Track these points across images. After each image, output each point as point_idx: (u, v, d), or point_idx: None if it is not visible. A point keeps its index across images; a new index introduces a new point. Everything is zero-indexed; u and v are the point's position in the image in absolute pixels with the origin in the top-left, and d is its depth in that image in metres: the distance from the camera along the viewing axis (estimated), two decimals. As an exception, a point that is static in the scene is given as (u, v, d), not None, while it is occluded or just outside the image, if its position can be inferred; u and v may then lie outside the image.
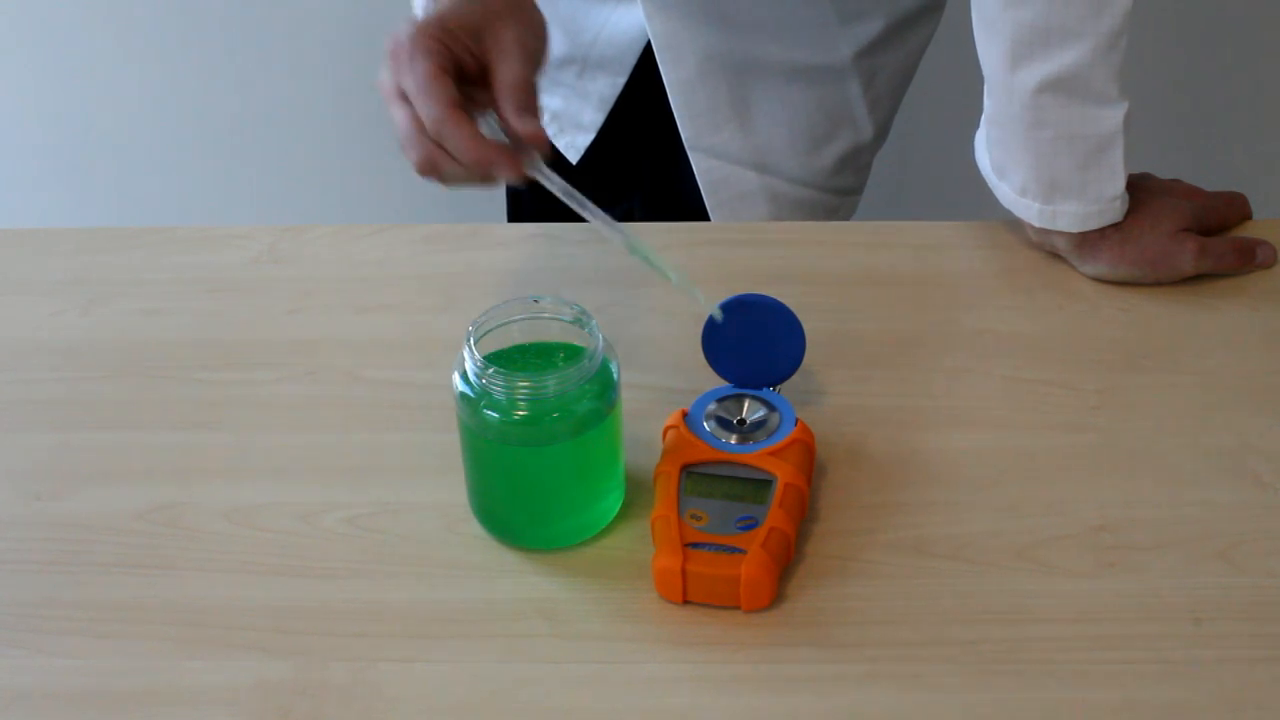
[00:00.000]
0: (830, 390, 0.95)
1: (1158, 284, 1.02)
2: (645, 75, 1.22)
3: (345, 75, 1.94)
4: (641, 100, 1.24)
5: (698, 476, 0.84)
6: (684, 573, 0.79)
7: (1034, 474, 0.88)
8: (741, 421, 0.87)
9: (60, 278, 1.06)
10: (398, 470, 0.90)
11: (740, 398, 0.88)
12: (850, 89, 1.22)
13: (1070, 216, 1.01)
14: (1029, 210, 1.03)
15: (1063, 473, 0.89)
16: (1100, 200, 1.01)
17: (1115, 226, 1.02)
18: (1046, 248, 1.05)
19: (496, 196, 1.39)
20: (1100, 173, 1.00)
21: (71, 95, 1.99)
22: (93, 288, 1.05)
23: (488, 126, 0.82)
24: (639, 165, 1.31)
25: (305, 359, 0.98)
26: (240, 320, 1.02)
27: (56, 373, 0.98)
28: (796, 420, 0.87)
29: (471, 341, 0.81)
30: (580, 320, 0.83)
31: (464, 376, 0.81)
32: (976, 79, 1.05)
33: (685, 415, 0.87)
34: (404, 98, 0.84)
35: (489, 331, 0.83)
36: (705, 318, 0.89)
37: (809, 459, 0.86)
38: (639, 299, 1.02)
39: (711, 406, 0.88)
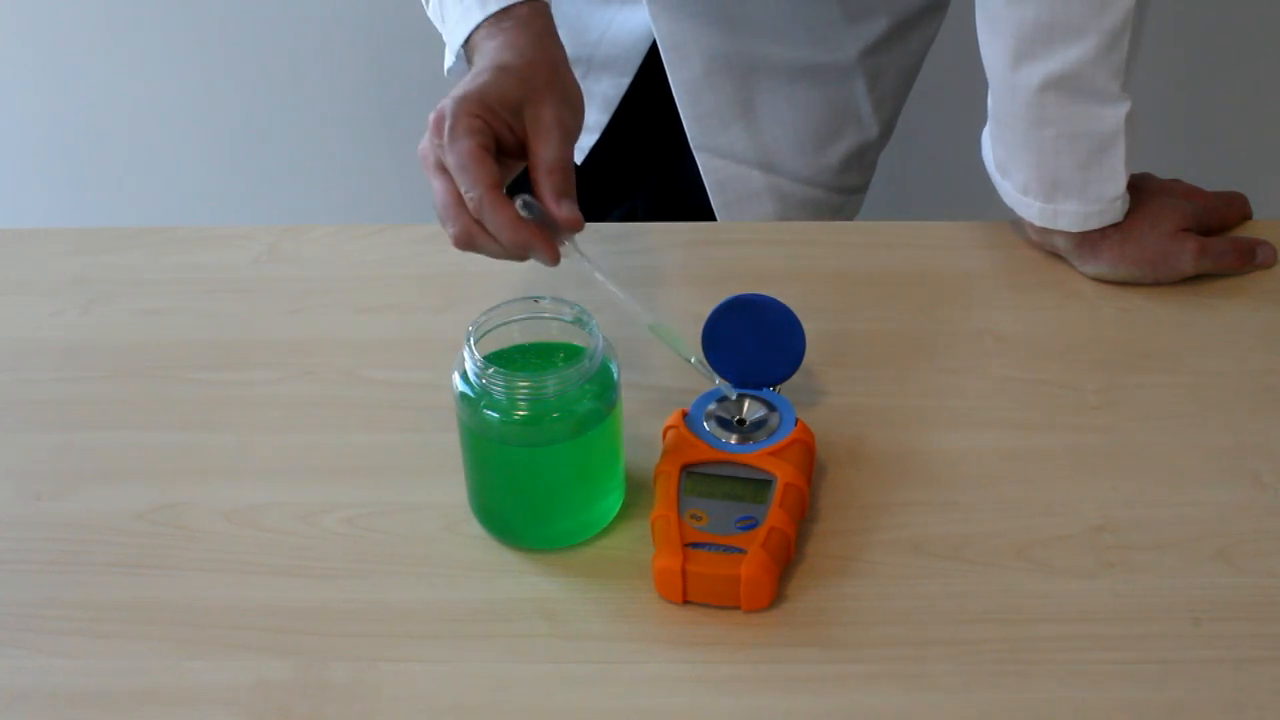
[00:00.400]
0: (830, 390, 0.95)
1: (1158, 284, 1.02)
2: (650, 76, 1.22)
3: (345, 75, 1.94)
4: (646, 101, 1.24)
5: (698, 476, 0.84)
6: (684, 573, 0.79)
7: (1034, 474, 0.88)
8: (741, 421, 0.87)
9: (60, 278, 1.06)
10: (398, 470, 0.90)
11: (740, 398, 0.88)
12: (856, 88, 1.22)
13: (1071, 216, 1.01)
14: (1030, 209, 1.03)
15: (1063, 473, 0.89)
16: (1101, 200, 1.01)
17: (1115, 226, 1.02)
18: (1047, 247, 1.05)
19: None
20: (1101, 172, 1.00)
21: (72, 95, 1.99)
22: (93, 288, 1.05)
23: (525, 205, 0.84)
24: (643, 165, 1.31)
25: (305, 359, 0.98)
26: (240, 320, 1.02)
27: (56, 373, 0.98)
28: (796, 420, 0.87)
29: (471, 341, 0.81)
30: (580, 320, 0.83)
31: (464, 376, 0.81)
32: (977, 78, 1.05)
33: (685, 415, 0.87)
34: (443, 169, 0.85)
35: (489, 331, 0.83)
36: (705, 318, 0.89)
37: (809, 459, 0.86)
38: (639, 299, 1.02)
39: (711, 406, 0.88)
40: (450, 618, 0.81)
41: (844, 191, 1.26)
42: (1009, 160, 1.03)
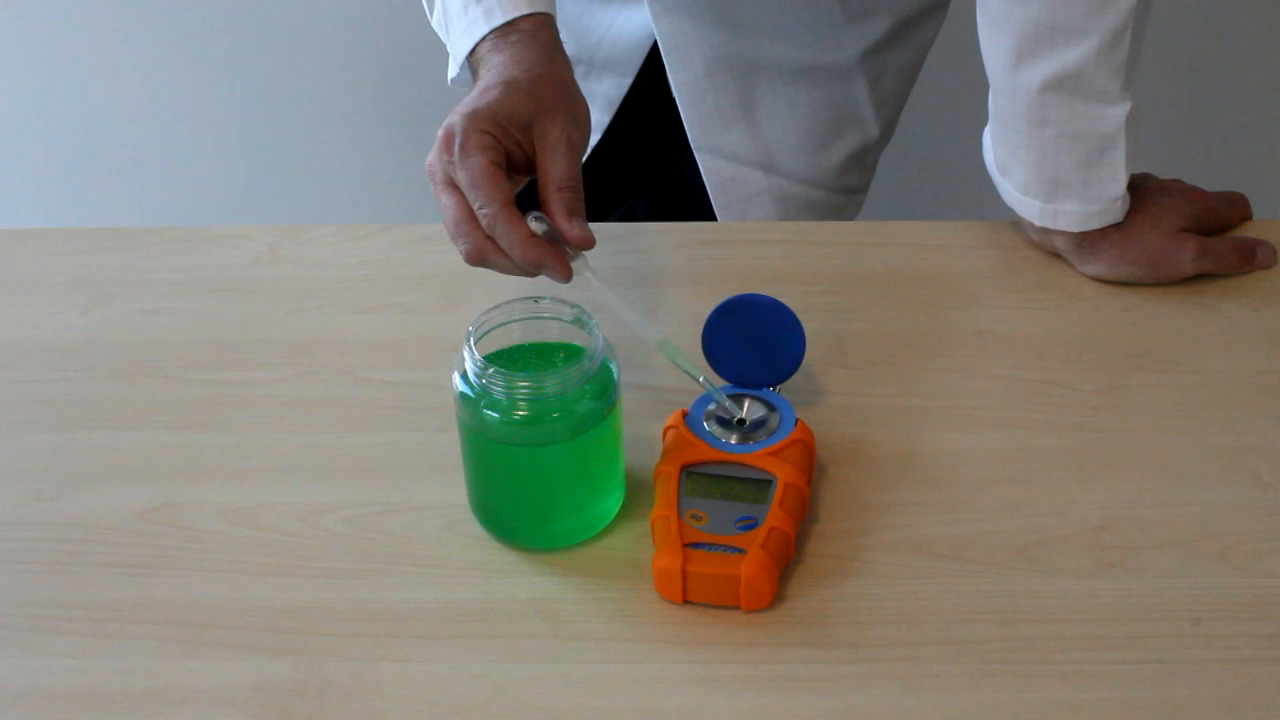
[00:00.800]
0: (830, 390, 0.95)
1: (1157, 284, 1.02)
2: (651, 76, 1.22)
3: (346, 76, 1.94)
4: (647, 101, 1.24)
5: (698, 476, 0.84)
6: (684, 573, 0.79)
7: (1034, 474, 0.88)
8: (741, 421, 0.87)
9: (60, 278, 1.06)
10: (398, 470, 0.90)
11: (740, 398, 0.88)
12: (857, 88, 1.22)
13: (1071, 216, 1.01)
14: (1030, 209, 1.03)
15: (1063, 473, 0.89)
16: (1102, 200, 1.01)
17: (1115, 226, 1.02)
18: (1047, 247, 1.05)
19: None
20: (1102, 172, 1.00)
21: (72, 95, 1.99)
22: (93, 288, 1.05)
23: (536, 219, 0.84)
24: (644, 166, 1.31)
25: (305, 359, 0.98)
26: (240, 320, 1.02)
27: (56, 373, 0.98)
28: (796, 420, 0.87)
29: (471, 341, 0.81)
30: (580, 320, 0.83)
31: (464, 376, 0.81)
32: (977, 78, 1.05)
33: (685, 415, 0.87)
34: (453, 186, 0.85)
35: (489, 331, 0.83)
36: (705, 318, 0.89)
37: (809, 459, 0.86)
38: (641, 299, 1.02)
39: (711, 407, 0.88)
40: (450, 618, 0.81)
41: (845, 192, 1.27)
42: (1009, 160, 1.03)
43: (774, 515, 0.81)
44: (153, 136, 2.02)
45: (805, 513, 0.85)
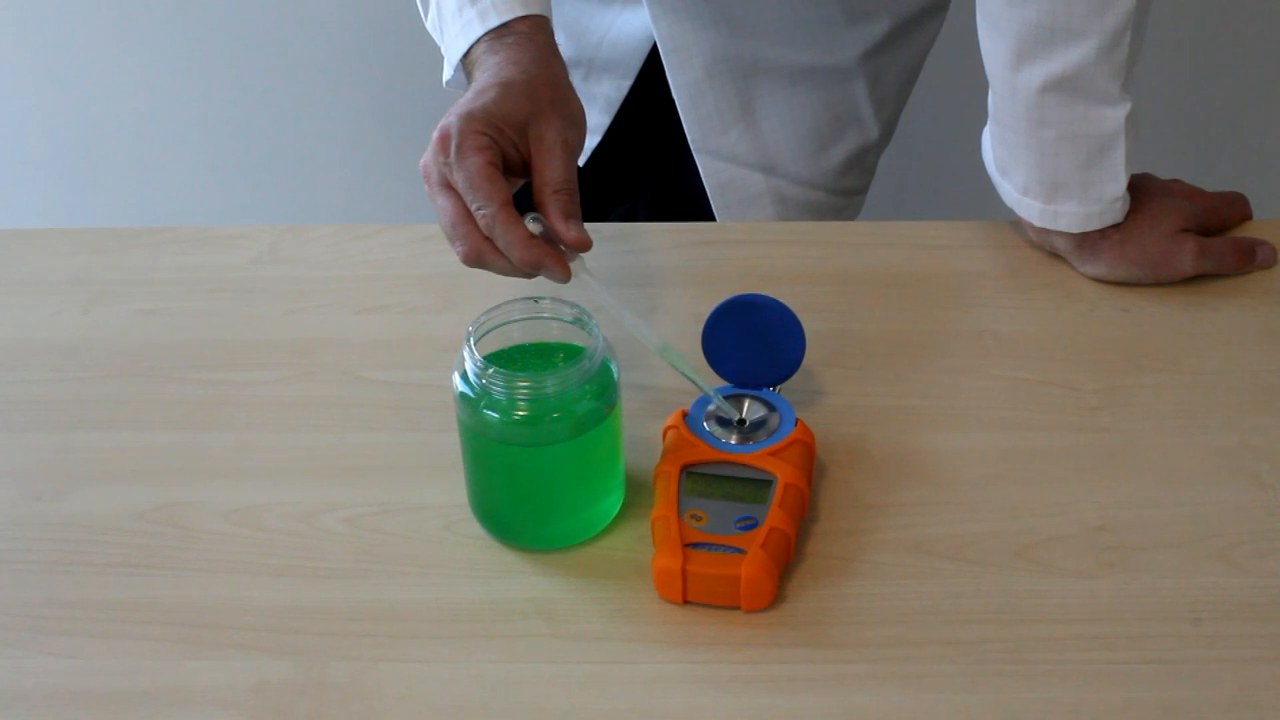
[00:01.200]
0: (830, 390, 0.95)
1: (1157, 284, 1.02)
2: (651, 78, 1.22)
3: (345, 76, 1.94)
4: (647, 103, 1.24)
5: (698, 476, 0.84)
6: (684, 573, 0.79)
7: (1034, 474, 0.88)
8: (741, 421, 0.87)
9: (60, 278, 1.06)
10: (398, 470, 0.90)
11: (740, 398, 0.88)
12: (857, 89, 1.22)
13: (1071, 217, 1.01)
14: (1030, 210, 1.03)
15: (1063, 473, 0.89)
16: (1101, 201, 1.01)
17: (1115, 227, 1.02)
18: (1046, 248, 1.05)
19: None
20: (1102, 173, 1.00)
21: (72, 95, 1.99)
22: (93, 288, 1.05)
23: (534, 220, 0.84)
24: (644, 167, 1.31)
25: (305, 359, 0.98)
26: (240, 320, 1.02)
27: (56, 373, 0.98)
28: (796, 420, 0.87)
29: (471, 341, 0.81)
30: (580, 320, 0.83)
31: (464, 376, 0.81)
32: (977, 79, 1.05)
33: (685, 415, 0.87)
34: (449, 187, 0.85)
35: (489, 331, 0.83)
36: (705, 318, 0.89)
37: (809, 459, 0.86)
38: (640, 299, 1.02)
39: (711, 407, 0.88)
40: (450, 618, 0.81)
41: (844, 194, 1.26)
42: (1009, 161, 1.03)
43: (774, 515, 0.81)
44: (153, 136, 2.02)
45: (805, 513, 0.85)
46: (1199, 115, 1.92)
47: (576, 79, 1.25)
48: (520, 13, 0.93)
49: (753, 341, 0.89)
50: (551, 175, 0.86)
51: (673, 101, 1.20)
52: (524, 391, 0.80)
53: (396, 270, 1.06)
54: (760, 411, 0.88)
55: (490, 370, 0.80)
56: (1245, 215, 1.08)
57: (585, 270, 0.85)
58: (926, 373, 0.96)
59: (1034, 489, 0.87)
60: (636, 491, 0.87)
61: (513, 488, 0.84)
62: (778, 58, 1.19)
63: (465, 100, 0.88)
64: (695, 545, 0.80)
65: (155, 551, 0.85)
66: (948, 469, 0.89)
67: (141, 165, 2.04)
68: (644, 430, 0.89)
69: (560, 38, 0.95)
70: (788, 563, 0.82)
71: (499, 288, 0.91)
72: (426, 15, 1.02)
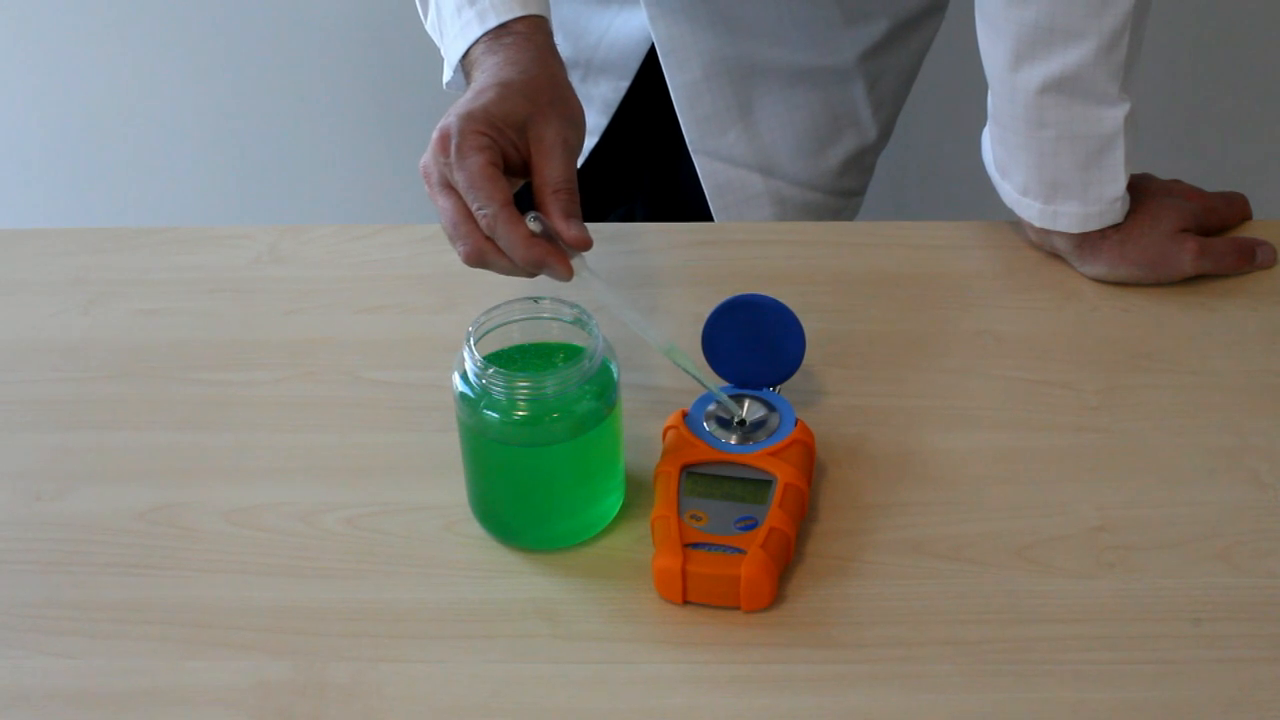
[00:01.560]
0: (830, 390, 0.95)
1: (1157, 284, 1.02)
2: (649, 79, 1.22)
3: (345, 75, 1.94)
4: (644, 104, 1.24)
5: (698, 477, 0.84)
6: (684, 573, 0.79)
7: (1034, 474, 0.88)
8: (741, 422, 0.87)
9: (60, 278, 1.06)
10: (398, 470, 0.90)
11: (740, 398, 0.88)
12: (855, 90, 1.22)
13: (1071, 217, 1.01)
14: (1030, 210, 1.03)
15: (1063, 473, 0.89)
16: (1101, 201, 1.01)
17: (1115, 227, 1.02)
18: (1046, 248, 1.05)
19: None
20: (1101, 173, 1.00)
21: (72, 95, 1.99)
22: (93, 288, 1.05)
23: (534, 219, 0.84)
24: (641, 169, 1.31)
25: (305, 359, 0.98)
26: (240, 320, 1.02)
27: (56, 373, 0.98)
28: (796, 420, 0.87)
29: (471, 341, 0.81)
30: (580, 320, 0.83)
31: (464, 376, 0.81)
32: (976, 79, 1.05)
33: (685, 415, 0.87)
34: (449, 187, 0.85)
35: (489, 331, 0.83)
36: (705, 318, 0.89)
37: (809, 459, 0.86)
38: (640, 299, 1.02)
39: (711, 407, 0.88)
40: (450, 618, 0.81)
41: (842, 195, 1.26)
42: (1009, 161, 1.03)
43: (774, 515, 0.81)
44: (153, 136, 2.02)
45: (805, 513, 0.85)
46: (1199, 115, 1.92)
47: (574, 80, 1.25)
48: (519, 13, 0.93)
49: (753, 341, 0.89)
50: (551, 175, 0.86)
51: (670, 103, 1.20)
52: (524, 391, 0.80)
53: (396, 270, 1.06)
54: (760, 411, 0.88)
55: (490, 370, 0.80)
56: (1245, 215, 1.08)
57: (587, 269, 0.85)
58: (926, 373, 0.96)
59: (1034, 489, 0.87)
60: (636, 491, 0.87)
61: (513, 488, 0.84)
62: (776, 59, 1.19)
63: (464, 100, 0.88)
64: (695, 545, 0.80)
65: (155, 551, 0.85)
66: (948, 469, 0.89)
67: (141, 165, 2.04)
68: (644, 430, 0.89)
69: (558, 39, 0.95)
70: (787, 563, 0.82)
71: (499, 288, 0.91)
72: (426, 16, 1.02)
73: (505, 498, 0.84)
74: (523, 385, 0.80)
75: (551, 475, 0.83)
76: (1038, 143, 1.00)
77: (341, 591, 0.82)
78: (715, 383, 0.88)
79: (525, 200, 0.87)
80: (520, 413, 0.80)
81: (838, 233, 1.11)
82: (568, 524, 0.84)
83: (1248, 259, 1.03)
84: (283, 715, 0.76)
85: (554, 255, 0.84)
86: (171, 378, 0.97)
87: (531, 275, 0.86)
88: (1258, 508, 0.86)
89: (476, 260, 0.86)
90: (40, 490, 0.89)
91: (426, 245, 1.08)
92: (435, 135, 0.86)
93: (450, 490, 0.87)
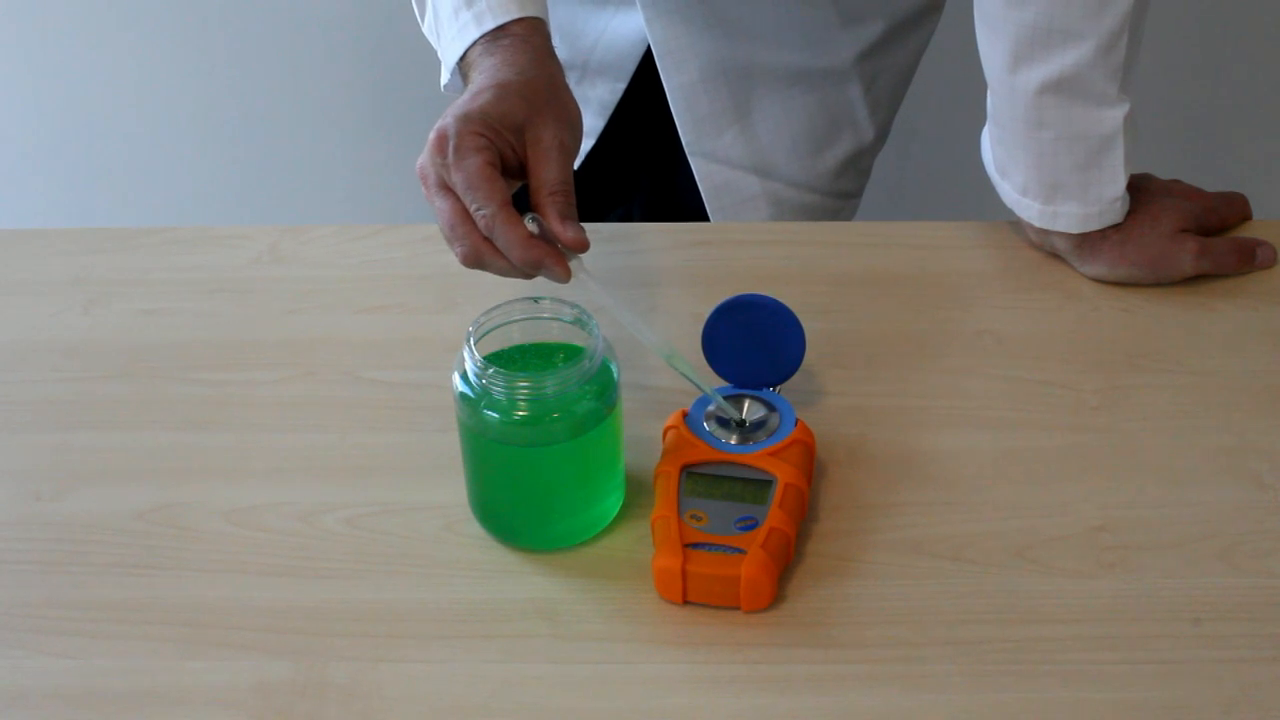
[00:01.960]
0: (830, 390, 0.95)
1: (1157, 284, 1.02)
2: (645, 81, 1.22)
3: (346, 75, 1.94)
4: (641, 106, 1.24)
5: (698, 477, 0.84)
6: (684, 573, 0.79)
7: (1034, 474, 0.88)
8: (741, 422, 0.87)
9: (60, 278, 1.06)
10: (398, 470, 0.90)
11: (740, 398, 0.88)
12: (851, 91, 1.22)
13: (1070, 217, 1.01)
14: (1029, 210, 1.03)
15: (1063, 473, 0.89)
16: (1101, 201, 1.01)
17: (1115, 227, 1.02)
18: (1046, 248, 1.05)
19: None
20: (1101, 174, 1.00)
21: (71, 95, 1.99)
22: (93, 288, 1.05)
23: (532, 220, 0.84)
24: (638, 171, 1.31)
25: (305, 359, 0.98)
26: (240, 320, 1.02)
27: (56, 373, 0.98)
28: (796, 420, 0.87)
29: (471, 341, 0.81)
30: (580, 321, 0.83)
31: (464, 376, 0.81)
32: (976, 79, 1.05)
33: (685, 415, 0.87)
34: (446, 188, 0.85)
35: (489, 331, 0.83)
36: (705, 318, 0.89)
37: (809, 459, 0.86)
38: (638, 300, 1.02)
39: (711, 407, 0.88)
40: (450, 618, 0.81)
41: (839, 197, 1.26)
42: (1008, 161, 1.03)
43: (774, 515, 0.81)
44: (153, 136, 2.02)
45: (805, 513, 0.85)
46: (1199, 115, 1.92)
47: (570, 82, 1.24)
48: (516, 15, 0.93)
49: (753, 341, 0.89)
50: (548, 177, 0.86)
51: (666, 105, 1.20)
52: (524, 392, 0.80)
53: (396, 270, 1.06)
54: (760, 411, 0.88)
55: (490, 370, 0.80)
56: (1245, 215, 1.08)
57: (584, 271, 0.85)
58: (926, 373, 0.96)
59: (1034, 489, 0.87)
60: (636, 491, 0.87)
61: (513, 488, 0.84)
62: (772, 60, 1.19)
63: (462, 101, 0.88)
64: (695, 545, 0.80)
65: (155, 551, 0.85)
66: (948, 469, 0.89)
67: (141, 165, 2.05)
68: (644, 430, 0.89)
69: (554, 40, 0.95)
70: (788, 563, 0.82)
71: (499, 288, 0.91)
72: (423, 19, 1.02)
73: (505, 498, 0.84)
74: (523, 385, 0.80)
75: (551, 475, 0.83)
76: (1037, 143, 1.00)
77: (341, 591, 0.82)
78: (712, 384, 0.88)
79: (522, 203, 0.87)
80: (520, 413, 0.80)
81: (837, 233, 1.11)
82: (568, 524, 0.84)
83: (1248, 259, 1.03)
84: (283, 715, 0.76)
85: (552, 256, 0.84)
86: (171, 378, 0.97)
87: (530, 276, 0.86)
88: (1258, 508, 0.86)
89: (474, 261, 0.86)
90: (40, 490, 0.89)
91: (426, 245, 1.08)
92: (432, 136, 0.86)
93: (450, 490, 0.87)
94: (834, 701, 0.76)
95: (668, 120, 1.20)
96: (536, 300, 0.84)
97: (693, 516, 0.82)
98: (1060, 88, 0.97)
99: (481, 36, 0.93)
